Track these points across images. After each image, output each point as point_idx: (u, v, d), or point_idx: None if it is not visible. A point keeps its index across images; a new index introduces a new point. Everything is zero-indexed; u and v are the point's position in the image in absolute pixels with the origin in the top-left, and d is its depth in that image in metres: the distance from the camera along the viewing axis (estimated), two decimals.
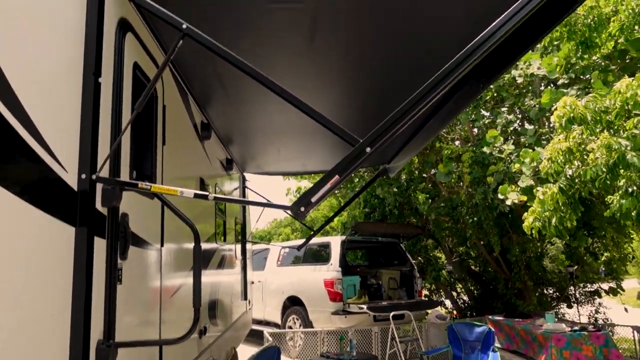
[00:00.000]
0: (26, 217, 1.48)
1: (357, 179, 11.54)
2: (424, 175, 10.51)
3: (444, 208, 9.21)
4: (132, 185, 1.87)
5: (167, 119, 3.03)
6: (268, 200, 7.00)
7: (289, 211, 1.85)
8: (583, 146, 3.77)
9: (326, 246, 8.88)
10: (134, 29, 2.31)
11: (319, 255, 9.10)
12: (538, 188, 4.40)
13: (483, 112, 8.67)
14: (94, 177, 1.81)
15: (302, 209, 1.80)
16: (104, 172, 1.89)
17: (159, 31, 2.71)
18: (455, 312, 11.26)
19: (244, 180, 7.22)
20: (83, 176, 1.79)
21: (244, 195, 7.30)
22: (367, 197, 11.60)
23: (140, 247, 2.36)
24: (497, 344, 6.00)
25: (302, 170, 6.97)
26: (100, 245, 1.88)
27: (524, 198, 5.41)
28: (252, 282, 8.61)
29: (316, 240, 9.15)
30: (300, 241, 8.68)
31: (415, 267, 9.56)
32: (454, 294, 11.74)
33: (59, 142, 1.69)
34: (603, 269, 7.03)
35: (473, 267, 11.68)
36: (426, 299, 10.88)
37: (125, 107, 2.20)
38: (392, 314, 7.59)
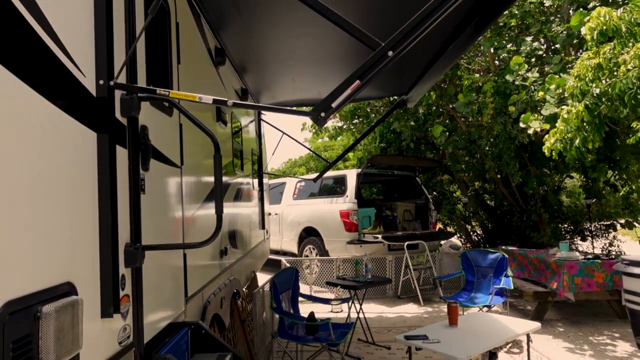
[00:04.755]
0: (53, 118, 1.49)
1: (374, 114, 11.38)
2: (442, 109, 10.29)
3: (461, 142, 9.09)
4: (151, 91, 1.86)
5: (181, 38, 2.96)
6: (284, 133, 6.99)
7: (309, 117, 1.82)
8: (614, 61, 3.58)
9: (342, 179, 8.95)
10: None
11: (335, 189, 9.20)
12: (563, 107, 4.23)
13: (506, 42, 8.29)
14: (111, 83, 1.79)
15: (322, 114, 1.78)
16: (121, 81, 1.87)
17: None
18: (468, 244, 11.46)
19: (259, 112, 7.17)
20: (101, 82, 1.78)
21: (259, 127, 7.28)
22: (384, 131, 11.49)
23: (160, 161, 2.39)
24: (509, 272, 6.12)
25: (319, 99, 6.85)
26: (122, 155, 1.90)
27: (547, 126, 5.26)
28: (269, 214, 8.82)
29: (332, 173, 9.22)
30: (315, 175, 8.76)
31: (431, 200, 9.62)
32: (468, 227, 11.88)
33: (76, 47, 1.67)
34: None
35: (488, 202, 11.72)
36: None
37: (139, 17, 2.14)
38: (406, 243, 7.77)
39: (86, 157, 1.70)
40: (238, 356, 2.45)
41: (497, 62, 9.07)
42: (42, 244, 1.39)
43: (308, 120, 12.42)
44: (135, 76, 1.99)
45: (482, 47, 8.67)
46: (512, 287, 5.57)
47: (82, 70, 1.70)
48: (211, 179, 3.47)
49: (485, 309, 5.43)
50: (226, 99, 1.87)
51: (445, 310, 4.32)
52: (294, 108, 4.42)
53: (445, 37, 4.16)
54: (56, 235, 1.46)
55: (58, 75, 1.55)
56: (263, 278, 6.47)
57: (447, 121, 10.33)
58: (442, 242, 9.18)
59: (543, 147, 4.61)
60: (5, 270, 1.20)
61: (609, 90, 3.52)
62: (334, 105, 1.79)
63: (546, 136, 4.50)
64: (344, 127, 12.17)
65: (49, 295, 1.37)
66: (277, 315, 4.63)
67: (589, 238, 10.58)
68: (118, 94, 1.88)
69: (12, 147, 1.29)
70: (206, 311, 3.13)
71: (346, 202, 8.44)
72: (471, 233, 11.89)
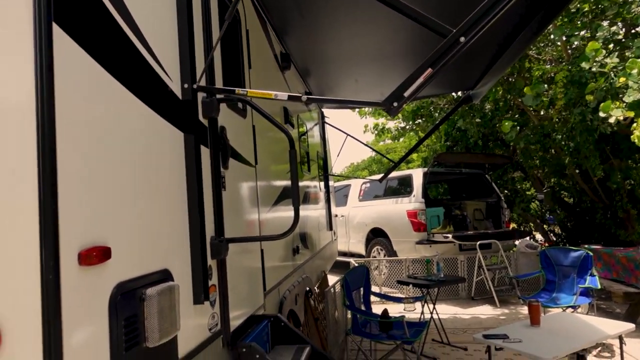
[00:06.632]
0: (150, 120, 1.64)
1: (438, 112, 11.12)
2: (511, 104, 9.84)
3: (533, 136, 8.63)
4: (230, 91, 1.97)
5: (251, 44, 3.10)
6: (348, 134, 7.04)
7: (382, 107, 1.84)
8: None
9: (408, 179, 8.82)
10: None
11: (400, 189, 9.09)
12: None
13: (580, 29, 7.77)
14: (195, 86, 1.93)
15: (395, 103, 1.79)
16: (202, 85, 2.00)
17: None
18: (546, 243, 10.82)
19: (322, 116, 7.28)
20: (185, 85, 1.92)
21: (323, 130, 7.39)
22: (449, 129, 11.19)
23: (238, 160, 2.52)
24: (594, 271, 5.71)
25: (381, 100, 6.83)
26: (205, 154, 2.03)
27: (631, 114, 4.88)
28: (336, 216, 8.88)
29: (397, 174, 9.12)
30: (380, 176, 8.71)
31: (502, 198, 9.22)
32: (545, 226, 11.22)
33: (164, 54, 1.82)
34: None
35: (566, 199, 11.01)
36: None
37: (214, 25, 2.28)
38: (478, 242, 7.49)
39: (176, 156, 1.84)
40: (316, 348, 2.50)
41: (569, 50, 8.55)
42: (143, 231, 1.52)
43: (370, 123, 12.39)
44: (213, 80, 2.12)
45: (552, 36, 8.21)
46: (599, 287, 5.19)
47: (169, 75, 1.84)
48: (282, 178, 3.59)
49: (569, 310, 5.11)
50: (300, 94, 1.95)
51: (524, 311, 4.13)
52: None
53: (512, 26, 4.01)
54: (154, 223, 1.60)
55: (151, 81, 1.70)
56: (333, 280, 6.52)
57: (516, 116, 9.86)
58: (517, 241, 8.75)
59: (631, 136, 4.28)
60: (116, 254, 1.33)
61: None
62: (406, 94, 1.80)
63: (634, 125, 4.18)
64: (407, 127, 11.99)
65: (151, 280, 1.49)
66: (349, 314, 4.66)
67: None
68: (199, 97, 2.02)
69: (121, 148, 1.43)
70: (283, 306, 3.23)
71: (412, 202, 8.31)
72: (548, 232, 11.22)
